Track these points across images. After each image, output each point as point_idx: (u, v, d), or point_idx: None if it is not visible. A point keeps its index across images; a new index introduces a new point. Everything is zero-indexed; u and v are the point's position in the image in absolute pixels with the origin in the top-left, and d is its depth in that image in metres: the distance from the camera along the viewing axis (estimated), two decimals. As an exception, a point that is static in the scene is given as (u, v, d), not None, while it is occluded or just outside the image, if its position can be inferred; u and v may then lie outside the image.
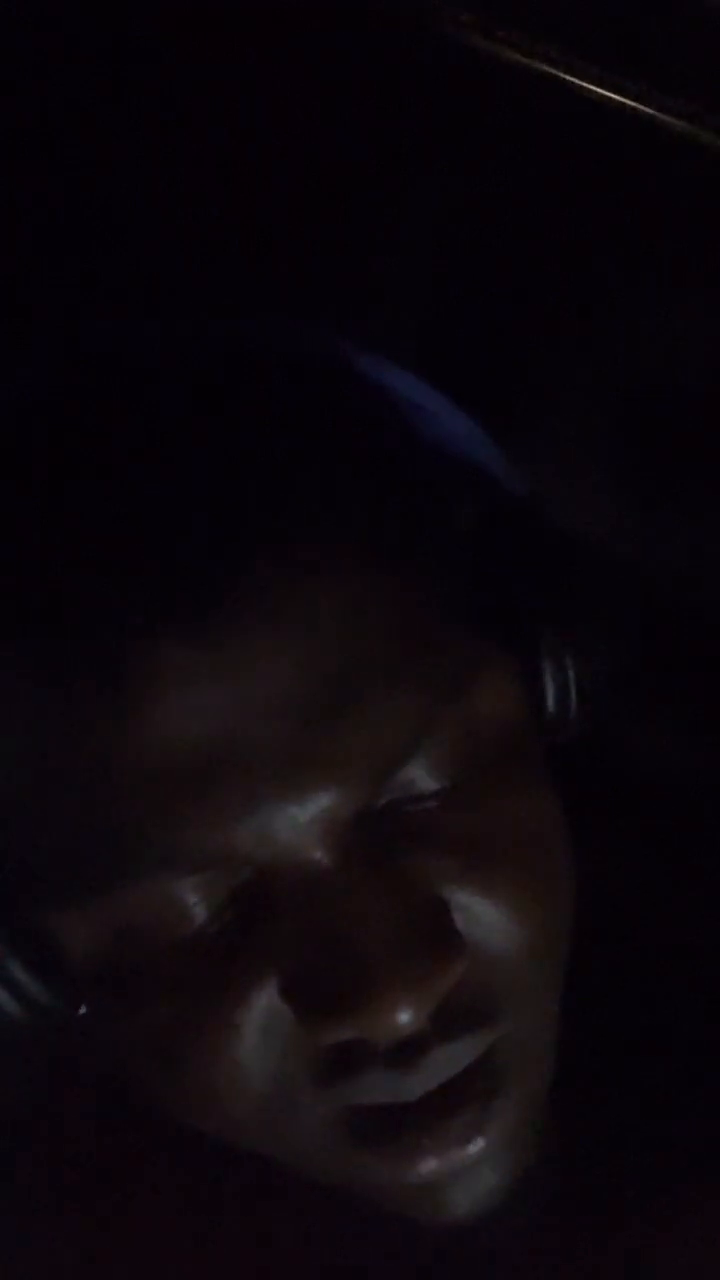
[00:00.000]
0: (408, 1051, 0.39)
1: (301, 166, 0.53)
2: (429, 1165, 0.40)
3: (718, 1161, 0.48)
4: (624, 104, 0.47)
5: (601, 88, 0.47)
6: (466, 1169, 0.40)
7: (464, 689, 0.41)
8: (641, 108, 0.47)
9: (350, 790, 0.38)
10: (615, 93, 0.47)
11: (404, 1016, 0.37)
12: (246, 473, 0.39)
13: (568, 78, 0.47)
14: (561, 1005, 0.43)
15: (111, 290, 0.53)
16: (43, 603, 0.39)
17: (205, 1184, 0.48)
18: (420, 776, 0.40)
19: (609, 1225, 0.47)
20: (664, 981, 0.52)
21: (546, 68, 0.47)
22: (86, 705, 0.38)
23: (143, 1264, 0.48)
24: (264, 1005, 0.39)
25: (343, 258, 0.54)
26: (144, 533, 0.38)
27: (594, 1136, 0.48)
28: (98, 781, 0.38)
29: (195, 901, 0.39)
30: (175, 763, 0.37)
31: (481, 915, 0.40)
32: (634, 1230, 0.47)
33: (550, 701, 0.45)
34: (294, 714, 0.38)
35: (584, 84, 0.47)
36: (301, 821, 0.38)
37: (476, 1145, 0.40)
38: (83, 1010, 0.43)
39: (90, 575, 0.38)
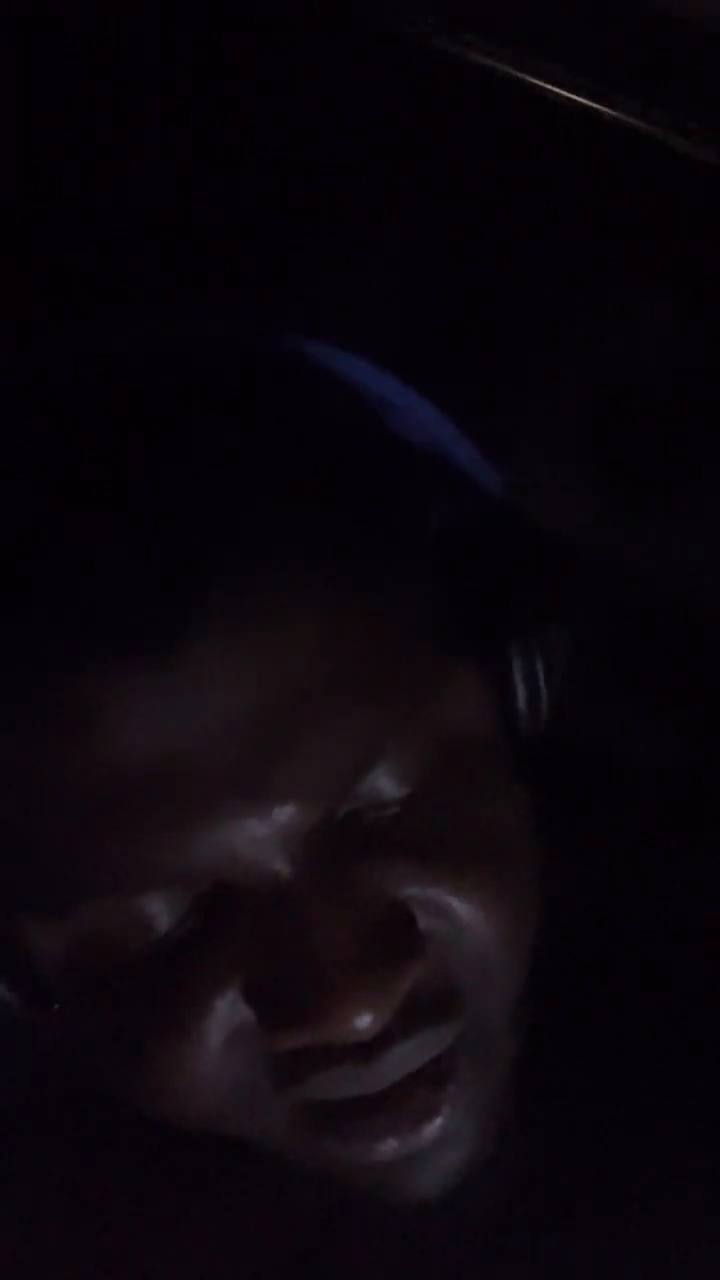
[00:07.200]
0: (371, 1049, 0.39)
1: (275, 164, 0.54)
2: (389, 1146, 0.40)
3: (689, 1145, 0.49)
4: (591, 106, 0.48)
5: (565, 89, 0.48)
6: (427, 1150, 0.41)
7: (427, 699, 0.41)
8: (606, 110, 0.48)
9: (308, 805, 0.39)
10: (581, 95, 0.48)
11: (362, 1022, 0.38)
12: (205, 498, 0.40)
13: (534, 80, 0.48)
14: (539, 992, 0.44)
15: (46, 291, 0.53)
16: (3, 627, 0.39)
17: (190, 1169, 0.49)
18: (384, 784, 0.41)
19: (579, 1206, 0.48)
20: (642, 971, 0.52)
21: (514, 71, 0.48)
22: (48, 728, 0.38)
23: (133, 1254, 0.49)
24: (226, 1010, 0.40)
25: (316, 254, 0.55)
26: (103, 560, 0.39)
27: (567, 1118, 0.49)
28: (60, 801, 0.39)
29: (159, 910, 0.40)
30: (134, 782, 0.38)
31: (445, 908, 0.41)
32: (604, 1213, 0.48)
33: (521, 701, 0.45)
34: (251, 733, 0.38)
35: (553, 88, 0.48)
36: (260, 836, 0.38)
37: (433, 1127, 0.41)
38: (56, 1006, 0.43)
39: (49, 601, 0.39)
